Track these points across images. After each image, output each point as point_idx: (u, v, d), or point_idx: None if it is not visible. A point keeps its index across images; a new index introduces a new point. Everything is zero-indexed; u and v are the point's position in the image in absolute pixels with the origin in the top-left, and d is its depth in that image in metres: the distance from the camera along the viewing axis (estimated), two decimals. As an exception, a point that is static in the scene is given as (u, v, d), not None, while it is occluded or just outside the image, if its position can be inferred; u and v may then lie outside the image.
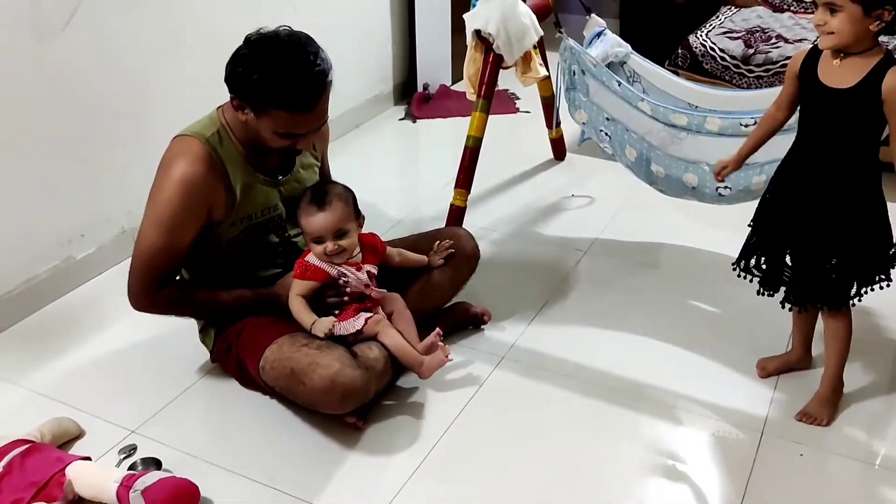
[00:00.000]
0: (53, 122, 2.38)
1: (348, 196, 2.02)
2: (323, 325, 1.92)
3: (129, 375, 2.17)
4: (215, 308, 2.02)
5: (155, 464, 1.84)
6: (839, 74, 1.74)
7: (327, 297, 2.00)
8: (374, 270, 2.06)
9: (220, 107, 1.96)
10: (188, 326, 2.14)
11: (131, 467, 1.82)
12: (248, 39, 1.83)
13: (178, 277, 2.03)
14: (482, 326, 2.35)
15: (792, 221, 1.90)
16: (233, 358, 2.02)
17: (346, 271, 2.00)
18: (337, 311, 2.00)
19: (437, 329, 2.05)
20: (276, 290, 2.03)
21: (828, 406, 1.99)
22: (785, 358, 2.14)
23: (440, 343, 2.03)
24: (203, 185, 1.87)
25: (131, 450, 1.89)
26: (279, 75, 1.78)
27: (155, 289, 1.93)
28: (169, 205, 1.86)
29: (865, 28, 1.67)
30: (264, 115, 1.83)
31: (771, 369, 2.13)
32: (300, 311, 1.95)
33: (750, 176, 2.34)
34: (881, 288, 1.90)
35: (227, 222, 1.95)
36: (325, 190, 2.01)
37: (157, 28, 2.63)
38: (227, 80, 1.85)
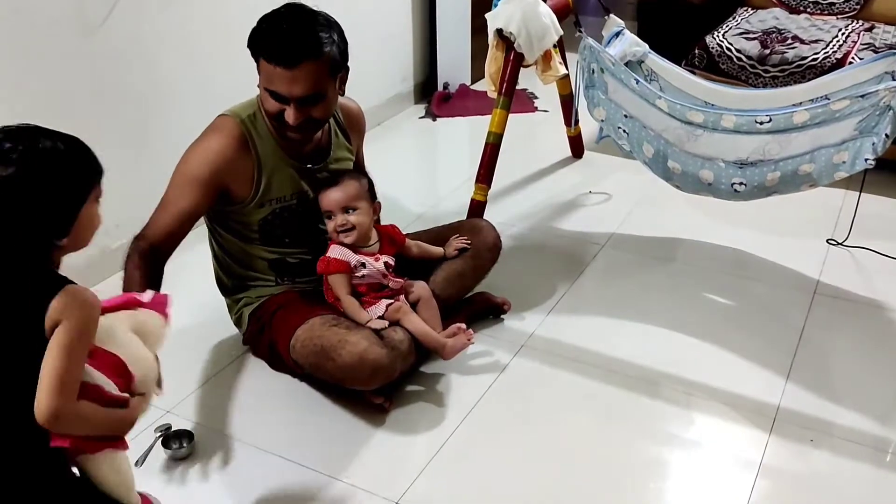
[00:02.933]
0: (92, 115, 2.47)
1: (362, 178, 2.11)
2: (376, 324, 2.01)
3: (164, 358, 2.20)
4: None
5: (187, 436, 1.93)
6: None
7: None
8: (392, 261, 2.14)
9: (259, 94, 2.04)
10: (220, 310, 2.22)
11: (164, 441, 1.91)
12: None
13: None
14: (502, 316, 2.42)
15: None
16: (265, 338, 2.10)
17: (364, 260, 2.08)
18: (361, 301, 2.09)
19: (461, 324, 2.12)
20: None
21: None
22: None
23: (463, 326, 2.11)
24: (228, 162, 1.96)
25: (166, 429, 1.96)
26: (270, 22, 1.88)
27: (151, 246, 1.92)
28: (188, 165, 1.95)
29: None
30: (259, 68, 1.90)
31: None
32: (354, 310, 2.04)
33: (765, 172, 2.40)
34: None
35: (254, 203, 2.03)
36: (340, 172, 2.11)
37: (189, 26, 2.72)
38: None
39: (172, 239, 1.96)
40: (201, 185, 1.95)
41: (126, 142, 2.60)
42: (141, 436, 1.95)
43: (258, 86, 1.95)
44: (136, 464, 1.87)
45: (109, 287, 2.57)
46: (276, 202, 2.06)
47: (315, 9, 1.94)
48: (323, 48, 1.86)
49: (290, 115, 1.91)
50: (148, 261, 1.90)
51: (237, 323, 2.19)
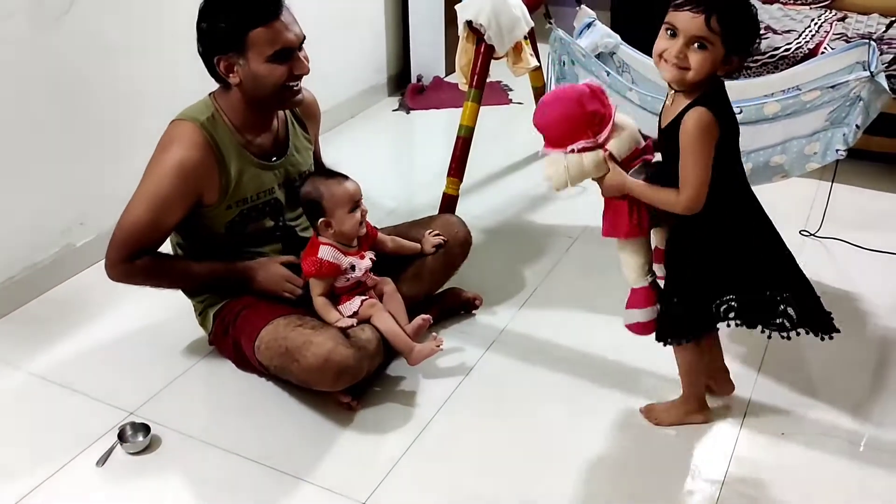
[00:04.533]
0: (52, 111, 2.42)
1: None
2: (343, 322, 2.00)
3: (128, 358, 2.22)
4: (188, 278, 2.07)
5: (144, 429, 1.90)
6: (667, 113, 1.70)
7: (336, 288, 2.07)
8: (374, 257, 2.11)
9: (211, 93, 2.01)
10: (185, 310, 2.19)
11: (121, 432, 1.89)
12: (199, 10, 1.92)
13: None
14: (473, 311, 2.40)
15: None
16: (230, 339, 2.07)
17: (353, 262, 2.05)
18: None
19: (427, 315, 2.10)
20: (249, 266, 2.07)
21: (673, 414, 1.98)
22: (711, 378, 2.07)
23: (434, 334, 2.09)
24: (196, 171, 1.93)
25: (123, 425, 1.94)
26: (236, 2, 1.87)
27: (130, 260, 1.97)
28: (160, 185, 1.92)
29: (714, 70, 1.59)
30: (249, 48, 1.88)
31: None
32: (327, 311, 2.02)
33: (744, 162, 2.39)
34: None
35: (221, 206, 2.00)
36: (333, 170, 2.10)
37: (152, 20, 2.67)
38: (204, 52, 1.92)
39: (160, 245, 2.04)
40: (177, 200, 1.94)
41: (88, 138, 2.55)
42: (104, 438, 1.92)
43: (235, 80, 1.92)
44: (97, 464, 1.85)
45: (74, 286, 2.54)
46: (243, 202, 2.03)
47: None
48: None
49: (301, 65, 1.93)
50: (158, 258, 2.02)
51: (202, 323, 2.16)
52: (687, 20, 1.57)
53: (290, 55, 1.91)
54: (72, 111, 2.48)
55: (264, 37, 1.87)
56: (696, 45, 1.57)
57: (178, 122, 1.96)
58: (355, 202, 2.04)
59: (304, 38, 1.95)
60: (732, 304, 1.79)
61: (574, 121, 1.74)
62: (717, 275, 1.78)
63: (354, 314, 2.03)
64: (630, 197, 1.76)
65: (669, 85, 1.69)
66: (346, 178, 2.06)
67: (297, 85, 1.98)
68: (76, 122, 2.50)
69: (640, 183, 1.73)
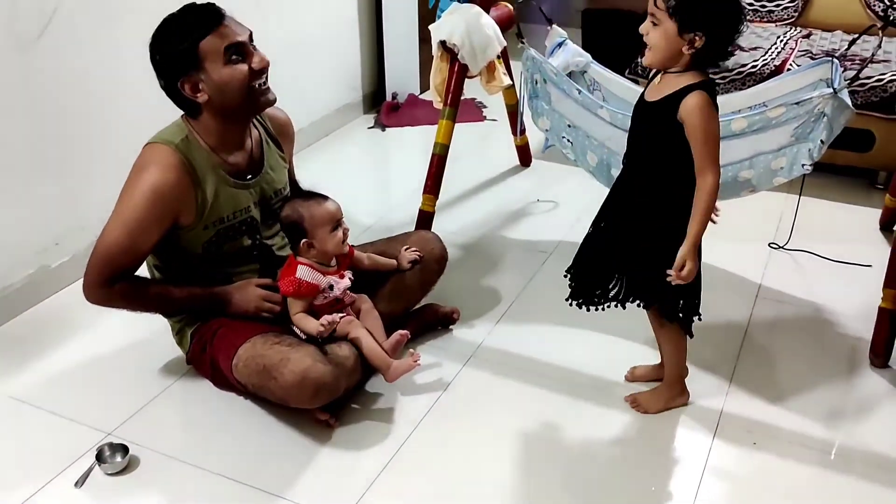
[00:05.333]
0: (27, 133, 2.42)
1: None
2: (329, 318, 2.01)
3: (105, 379, 2.22)
4: (167, 303, 2.08)
5: (122, 450, 1.90)
6: (656, 90, 1.79)
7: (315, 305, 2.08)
8: (353, 277, 2.13)
9: (183, 115, 2.03)
10: (162, 329, 2.19)
11: (99, 453, 1.89)
12: (150, 45, 1.94)
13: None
14: (451, 327, 2.43)
15: (611, 229, 1.97)
16: (207, 358, 2.08)
17: (332, 281, 2.07)
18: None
19: (404, 331, 2.12)
20: (226, 289, 2.08)
21: (659, 400, 2.08)
22: (656, 368, 2.18)
23: (411, 350, 2.11)
24: (172, 194, 1.93)
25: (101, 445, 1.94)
26: (178, 24, 1.90)
27: (109, 283, 1.98)
28: (136, 209, 1.92)
29: (678, 48, 1.70)
30: (204, 60, 1.89)
31: (637, 375, 2.20)
32: (306, 322, 2.02)
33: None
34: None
35: (198, 226, 2.00)
36: (312, 190, 2.12)
37: (128, 39, 2.67)
38: (165, 83, 1.95)
39: (138, 267, 2.04)
40: (154, 223, 1.95)
41: (63, 159, 2.55)
42: (82, 459, 1.92)
43: (203, 98, 1.93)
44: (76, 485, 1.85)
45: (50, 308, 2.53)
46: (220, 222, 2.04)
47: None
48: None
49: (257, 59, 1.94)
50: (137, 282, 2.03)
51: (179, 343, 2.16)
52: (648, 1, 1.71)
53: (244, 51, 1.93)
54: (46, 133, 2.48)
55: (214, 43, 1.89)
56: (651, 23, 1.72)
57: (153, 145, 1.98)
58: (336, 221, 2.05)
59: (252, 32, 1.97)
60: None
61: None
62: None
63: (332, 330, 2.04)
64: None
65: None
66: (325, 198, 2.08)
67: (264, 83, 1.98)
68: (50, 143, 2.49)
69: (693, 229, 1.77)
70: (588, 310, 2.02)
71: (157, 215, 1.93)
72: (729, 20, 1.71)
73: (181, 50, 1.88)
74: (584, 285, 2.02)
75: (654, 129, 1.83)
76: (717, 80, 3.29)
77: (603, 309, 2.02)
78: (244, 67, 1.93)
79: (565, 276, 2.05)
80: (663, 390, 2.09)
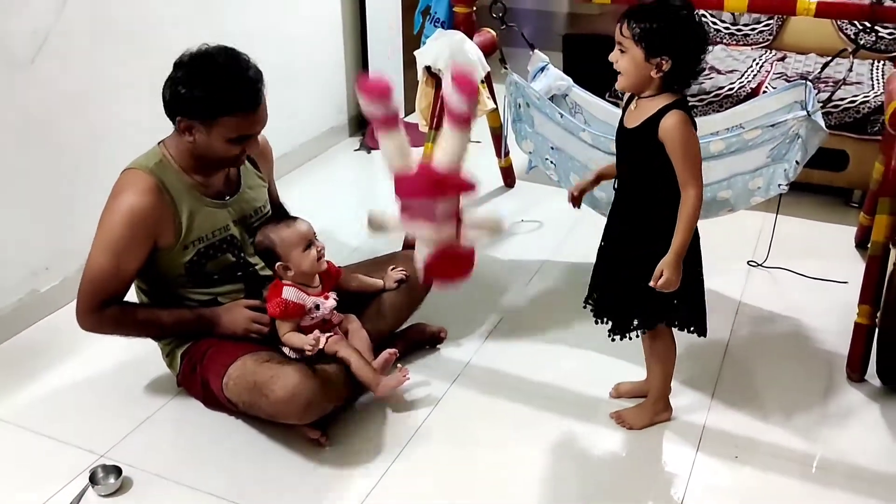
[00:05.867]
0: (17, 157, 2.45)
1: None
2: (315, 339, 2.04)
3: (97, 401, 2.23)
4: (157, 327, 2.11)
5: (116, 471, 1.92)
6: (634, 116, 1.86)
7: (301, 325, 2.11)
8: (338, 298, 2.16)
9: (161, 141, 2.07)
10: (152, 351, 2.21)
11: (92, 475, 1.91)
12: (179, 63, 1.95)
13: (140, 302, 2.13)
14: (438, 346, 2.46)
15: (608, 251, 2.05)
16: (197, 378, 2.10)
17: (317, 301, 2.10)
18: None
19: (393, 349, 2.15)
20: (217, 312, 2.11)
21: (644, 416, 2.13)
22: (640, 384, 2.23)
23: (399, 366, 2.14)
24: (149, 215, 1.97)
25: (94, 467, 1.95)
26: (223, 83, 1.91)
27: (100, 309, 2.01)
28: (116, 233, 1.96)
29: (647, 73, 1.77)
30: (215, 125, 1.93)
31: (622, 391, 2.25)
32: (296, 340, 2.05)
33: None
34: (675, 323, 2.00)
35: (178, 247, 2.04)
36: (281, 213, 2.16)
37: (116, 69, 2.72)
38: (168, 104, 1.96)
39: (126, 291, 2.08)
40: (134, 246, 1.98)
41: (53, 184, 2.58)
42: (75, 481, 1.93)
43: (189, 138, 1.97)
44: (70, 510, 1.86)
45: (40, 331, 2.54)
46: (199, 241, 2.07)
47: (215, 45, 1.97)
48: (262, 74, 1.97)
49: (254, 147, 2.05)
50: (127, 307, 2.07)
51: (170, 364, 2.19)
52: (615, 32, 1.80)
53: (248, 139, 2.00)
54: (35, 157, 2.51)
55: (234, 124, 1.94)
56: (619, 51, 1.80)
57: (128, 170, 2.02)
58: (308, 240, 2.09)
59: (266, 122, 2.02)
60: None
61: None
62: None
63: (320, 350, 2.07)
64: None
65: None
66: (294, 219, 2.12)
67: (243, 155, 2.06)
68: (40, 167, 2.53)
69: (676, 242, 1.84)
70: (629, 338, 2.04)
71: (136, 238, 1.97)
72: (692, 42, 1.79)
73: (205, 104, 1.92)
74: (610, 314, 2.05)
75: (637, 155, 1.89)
76: (695, 103, 3.37)
77: (638, 336, 2.06)
78: (238, 149, 2.00)
79: (584, 307, 2.11)
80: (648, 406, 2.14)
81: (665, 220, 1.86)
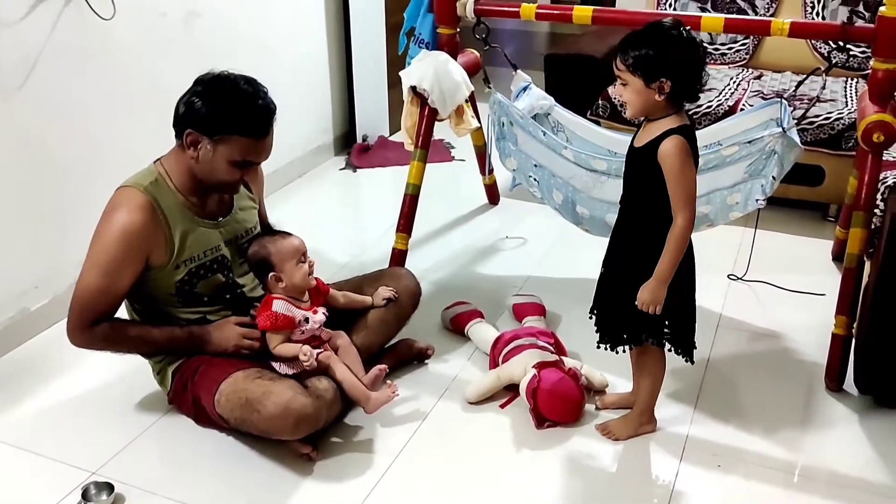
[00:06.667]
0: (6, 176, 2.47)
1: None
2: (307, 349, 2.07)
3: (88, 419, 2.25)
4: (147, 343, 2.12)
5: (108, 488, 1.94)
6: (642, 136, 1.93)
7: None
8: (327, 313, 2.20)
9: (157, 160, 2.11)
10: (142, 368, 2.24)
11: (84, 492, 1.92)
12: (199, 80, 2.01)
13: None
14: (426, 361, 2.50)
15: (609, 267, 2.09)
16: (189, 395, 2.12)
17: (307, 315, 2.13)
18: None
19: (383, 365, 2.19)
20: (208, 329, 2.14)
21: (629, 427, 2.17)
22: (626, 396, 2.28)
23: (388, 381, 2.18)
24: (142, 233, 2.00)
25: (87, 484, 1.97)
26: (239, 103, 1.97)
27: (91, 326, 2.04)
28: (108, 250, 1.99)
29: (651, 98, 1.83)
30: (222, 143, 1.98)
31: (608, 403, 2.29)
32: (288, 350, 2.08)
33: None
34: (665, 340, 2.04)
35: (169, 266, 2.06)
36: (273, 230, 2.20)
37: (106, 88, 2.75)
38: (181, 117, 2.00)
39: (117, 309, 2.10)
40: (126, 263, 2.01)
41: (43, 203, 2.60)
42: (67, 498, 1.94)
43: (192, 154, 2.01)
44: (62, 527, 1.87)
45: (30, 350, 2.55)
46: (191, 261, 2.10)
47: (236, 73, 2.03)
48: (275, 108, 2.04)
49: (253, 176, 2.12)
50: (118, 324, 2.10)
51: (161, 382, 2.21)
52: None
53: (250, 166, 2.06)
54: (25, 177, 2.53)
55: (242, 146, 1.99)
56: (621, 84, 1.88)
57: (122, 188, 2.05)
58: (302, 254, 2.14)
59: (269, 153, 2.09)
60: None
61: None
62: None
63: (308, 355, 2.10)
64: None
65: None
66: (289, 234, 2.18)
67: (239, 183, 2.11)
68: (30, 187, 2.55)
69: (660, 267, 1.90)
70: (616, 352, 2.10)
71: (128, 255, 2.00)
72: (688, 59, 1.84)
73: (217, 120, 1.96)
74: (605, 326, 2.11)
75: (639, 174, 1.95)
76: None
77: (624, 351, 2.11)
78: (238, 174, 2.04)
79: (590, 318, 2.16)
80: (633, 418, 2.18)
81: (661, 242, 1.90)
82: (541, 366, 2.22)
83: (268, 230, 2.24)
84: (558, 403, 2.17)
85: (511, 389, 2.31)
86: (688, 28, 1.87)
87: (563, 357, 2.35)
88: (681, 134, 1.85)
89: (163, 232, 2.03)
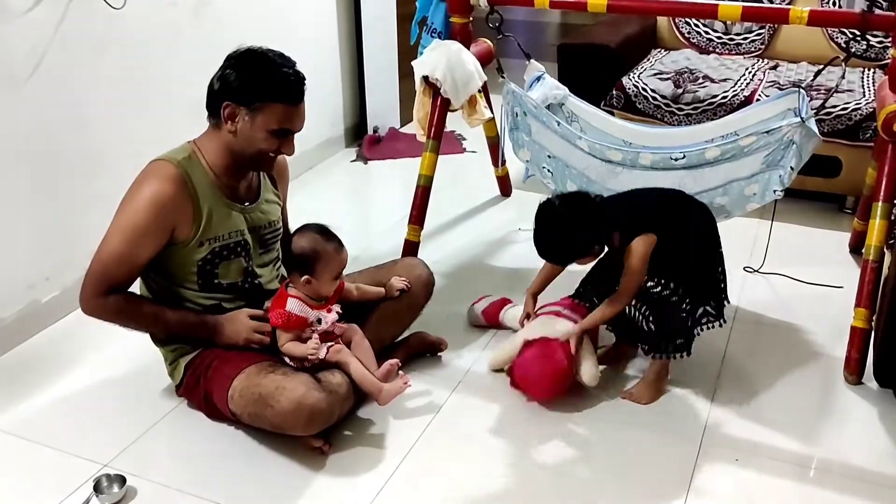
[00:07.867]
0: (17, 169, 2.46)
1: None
2: (315, 341, 2.06)
3: (98, 411, 2.24)
4: (159, 323, 2.10)
5: (119, 480, 1.93)
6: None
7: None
8: (340, 310, 2.17)
9: (192, 140, 2.10)
10: (154, 360, 2.23)
11: (96, 484, 1.91)
12: (230, 56, 2.02)
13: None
14: (439, 354, 2.48)
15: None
16: (200, 391, 2.11)
17: (320, 315, 2.11)
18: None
19: (395, 360, 2.17)
20: (220, 319, 2.12)
21: (650, 390, 2.28)
22: (608, 349, 2.44)
23: (400, 372, 2.15)
24: (171, 204, 1.99)
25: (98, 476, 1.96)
26: (273, 70, 2.00)
27: (105, 294, 2.02)
28: (136, 217, 1.97)
29: (600, 252, 2.18)
30: (259, 112, 1.98)
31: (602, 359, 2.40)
32: (297, 349, 2.06)
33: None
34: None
35: (193, 242, 2.05)
36: (329, 232, 2.15)
37: (116, 79, 2.74)
38: (217, 92, 2.01)
39: (133, 281, 2.10)
40: (152, 232, 1.99)
41: (53, 194, 2.59)
42: (79, 491, 1.94)
43: (230, 128, 2.01)
44: (74, 519, 1.86)
45: (41, 342, 2.55)
46: (215, 240, 2.08)
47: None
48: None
49: (290, 148, 2.10)
50: (132, 298, 2.10)
51: (172, 373, 2.19)
52: None
53: (287, 135, 2.05)
54: (35, 169, 2.52)
55: (280, 113, 1.99)
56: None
57: (155, 161, 2.04)
58: (342, 272, 2.12)
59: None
60: None
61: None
62: None
63: (322, 360, 2.08)
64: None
65: None
66: (342, 246, 2.13)
67: (276, 157, 2.10)
68: (40, 178, 2.54)
69: (592, 316, 2.25)
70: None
71: (155, 225, 1.98)
72: (594, 228, 2.16)
73: (256, 89, 1.97)
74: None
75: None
76: (689, 111, 3.41)
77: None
78: (276, 144, 2.04)
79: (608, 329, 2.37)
80: (652, 381, 2.28)
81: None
82: (529, 343, 2.26)
83: (324, 232, 2.18)
84: (530, 381, 2.26)
85: None
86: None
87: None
88: (652, 231, 2.13)
89: (191, 206, 2.02)
